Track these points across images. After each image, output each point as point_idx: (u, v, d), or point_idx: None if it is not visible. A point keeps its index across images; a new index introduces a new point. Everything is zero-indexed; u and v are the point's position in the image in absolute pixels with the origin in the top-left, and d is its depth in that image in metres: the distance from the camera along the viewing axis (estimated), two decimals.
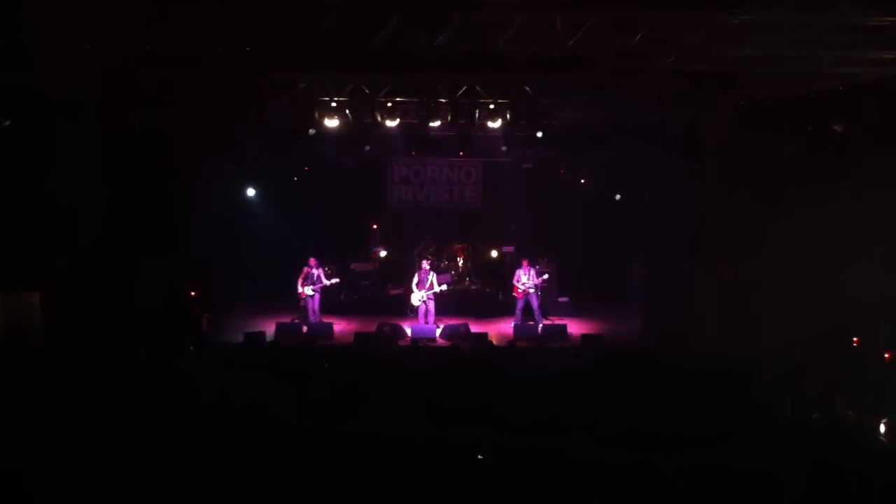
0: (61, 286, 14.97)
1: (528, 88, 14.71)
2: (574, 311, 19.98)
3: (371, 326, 17.52)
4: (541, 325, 18.10)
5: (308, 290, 18.02)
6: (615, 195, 21.68)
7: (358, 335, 16.47)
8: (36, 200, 14.61)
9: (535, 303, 18.21)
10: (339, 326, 18.26)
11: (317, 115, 15.56)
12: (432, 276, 18.00)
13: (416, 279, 18.14)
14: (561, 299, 20.40)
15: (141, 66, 12.40)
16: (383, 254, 21.85)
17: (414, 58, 11.79)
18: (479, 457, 7.74)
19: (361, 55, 11.67)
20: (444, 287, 18.32)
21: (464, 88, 14.80)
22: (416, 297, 18.01)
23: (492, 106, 15.53)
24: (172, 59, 12.14)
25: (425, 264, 18.39)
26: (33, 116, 14.10)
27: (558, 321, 18.70)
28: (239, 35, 11.31)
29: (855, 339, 14.24)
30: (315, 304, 18.17)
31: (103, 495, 6.93)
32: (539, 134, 16.47)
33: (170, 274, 17.00)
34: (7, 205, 14.35)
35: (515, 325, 18.03)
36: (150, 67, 12.47)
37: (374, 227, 22.28)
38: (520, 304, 18.29)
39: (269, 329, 17.48)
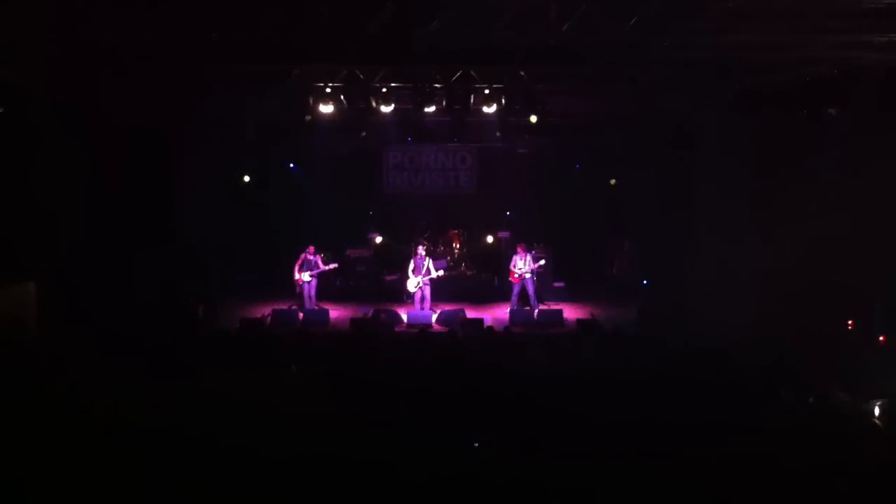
0: (57, 278, 14.95)
1: (522, 73, 14.69)
2: (570, 297, 20.02)
3: (367, 312, 17.53)
4: (537, 311, 18.11)
5: (305, 276, 18.03)
6: (611, 179, 21.68)
7: (354, 321, 16.49)
8: (30, 194, 14.58)
9: (530, 288, 18.22)
10: (335, 313, 18.26)
11: (311, 101, 15.53)
12: (428, 262, 17.98)
13: (411, 265, 18.13)
14: (557, 284, 20.44)
15: (131, 58, 12.37)
16: (379, 240, 21.83)
17: (407, 47, 11.76)
18: (476, 444, 7.76)
19: (355, 45, 11.64)
20: (441, 273, 18.32)
21: (458, 73, 14.78)
22: (412, 283, 18.00)
23: (487, 91, 15.52)
24: (166, 51, 12.11)
25: (421, 250, 18.37)
26: (26, 110, 14.06)
27: (554, 306, 18.71)
28: (232, 27, 11.27)
29: (850, 322, 14.29)
30: (312, 291, 18.18)
31: (102, 487, 6.93)
32: (533, 118, 16.42)
33: (165, 263, 16.98)
34: (2, 199, 14.33)
35: (511, 311, 18.04)
36: (141, 60, 12.45)
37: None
38: (516, 290, 18.31)
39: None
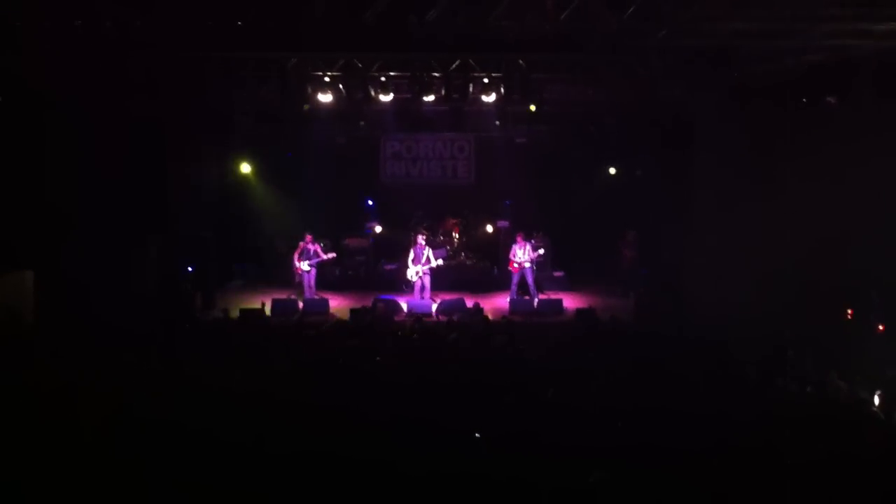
0: (54, 268, 14.93)
1: (521, 62, 14.66)
2: (569, 286, 20.02)
3: (366, 302, 17.53)
4: (536, 300, 18.11)
5: (304, 266, 18.01)
6: (609, 169, 21.67)
7: (354, 311, 16.49)
8: (28, 185, 14.57)
9: (530, 278, 18.22)
10: (335, 302, 18.27)
11: (309, 90, 15.50)
12: (428, 251, 17.96)
13: (411, 254, 18.11)
14: (556, 274, 20.44)
15: (129, 48, 12.34)
16: (378, 229, 21.82)
17: (404, 36, 11.72)
18: (476, 435, 7.75)
19: (352, 34, 11.61)
20: (440, 262, 18.30)
21: (457, 63, 14.74)
22: (412, 273, 17.99)
23: (485, 80, 15.49)
24: (163, 40, 12.08)
25: (420, 239, 18.35)
26: (23, 102, 14.04)
27: (553, 296, 18.73)
28: (229, 15, 11.25)
29: (849, 311, 14.28)
30: (311, 280, 18.17)
31: (99, 480, 6.92)
32: (532, 108, 16.40)
33: (161, 254, 16.95)
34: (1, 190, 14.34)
35: (511, 300, 18.05)
36: (138, 49, 12.41)
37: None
38: (515, 279, 18.31)
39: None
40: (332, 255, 18.65)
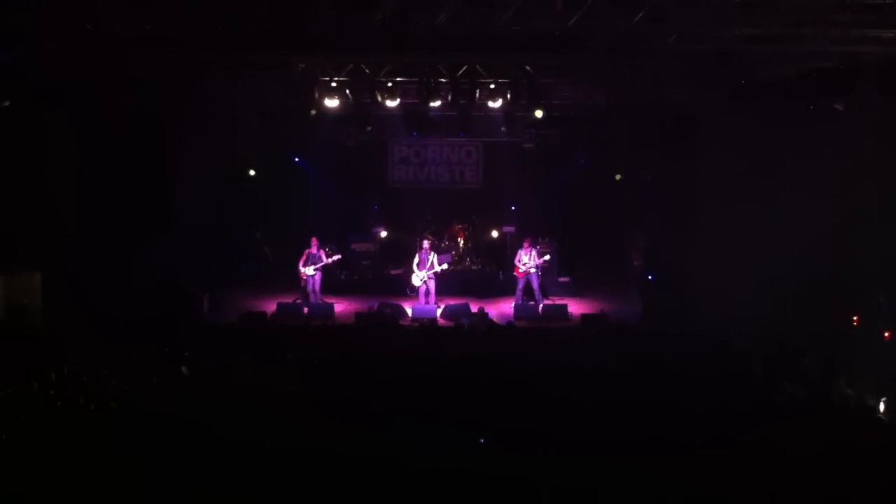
0: (59, 269, 14.97)
1: (528, 68, 14.68)
2: (574, 291, 20.00)
3: (372, 306, 17.53)
4: (541, 305, 18.08)
5: (310, 270, 17.98)
6: (616, 175, 21.67)
7: (359, 315, 16.48)
8: (31, 185, 14.61)
9: (535, 283, 18.18)
10: (340, 307, 18.26)
11: (317, 95, 15.53)
12: (433, 256, 17.95)
13: (416, 259, 18.10)
14: (561, 279, 20.42)
15: (133, 47, 12.38)
16: (384, 234, 21.83)
17: (412, 38, 11.73)
18: (481, 440, 7.76)
19: (359, 35, 11.63)
20: (445, 267, 18.30)
21: (464, 68, 14.75)
22: (417, 278, 17.97)
23: (492, 86, 15.51)
24: (166, 40, 12.12)
25: (426, 244, 18.35)
26: (26, 100, 14.08)
27: (559, 301, 18.71)
28: (234, 15, 11.28)
29: (855, 318, 14.25)
30: (316, 285, 18.12)
31: (102, 477, 6.94)
32: (539, 113, 16.40)
33: (165, 255, 16.98)
34: (3, 190, 14.36)
35: (516, 305, 18.02)
36: (142, 48, 12.45)
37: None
38: (520, 285, 18.26)
39: (270, 310, 17.52)
40: (336, 256, 18.62)
